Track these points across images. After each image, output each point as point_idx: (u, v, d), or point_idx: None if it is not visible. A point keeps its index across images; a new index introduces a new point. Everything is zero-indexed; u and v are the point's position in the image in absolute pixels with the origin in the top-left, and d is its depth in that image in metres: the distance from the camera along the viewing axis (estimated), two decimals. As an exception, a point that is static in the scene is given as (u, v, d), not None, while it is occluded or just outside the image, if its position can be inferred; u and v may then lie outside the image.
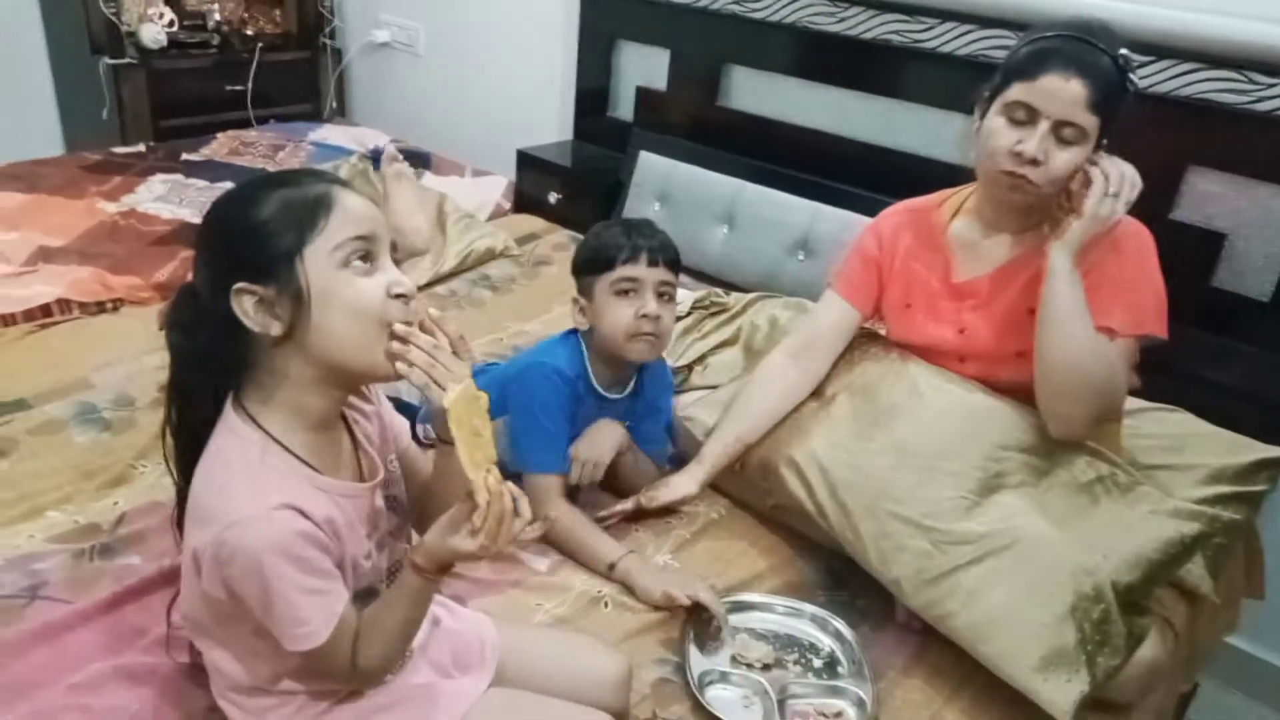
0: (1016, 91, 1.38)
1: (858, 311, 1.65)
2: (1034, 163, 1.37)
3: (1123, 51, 1.38)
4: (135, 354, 1.90)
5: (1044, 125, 1.36)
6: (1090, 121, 1.36)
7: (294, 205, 0.92)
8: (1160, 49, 1.86)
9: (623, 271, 1.49)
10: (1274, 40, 1.74)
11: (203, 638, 1.03)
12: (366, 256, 0.93)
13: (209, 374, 0.96)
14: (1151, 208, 1.88)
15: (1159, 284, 1.44)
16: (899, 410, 1.52)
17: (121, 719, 1.12)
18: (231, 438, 0.94)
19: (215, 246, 0.95)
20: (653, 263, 1.50)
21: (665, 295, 1.52)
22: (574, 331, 1.58)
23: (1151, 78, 1.89)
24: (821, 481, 1.48)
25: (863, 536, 1.41)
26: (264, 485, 0.91)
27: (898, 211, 1.66)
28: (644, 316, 1.48)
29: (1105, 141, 1.41)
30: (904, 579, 1.37)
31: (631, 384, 1.60)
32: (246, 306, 0.91)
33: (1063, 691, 1.23)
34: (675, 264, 1.54)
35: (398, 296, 0.94)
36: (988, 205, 1.53)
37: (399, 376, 0.95)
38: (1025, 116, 1.38)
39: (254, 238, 0.91)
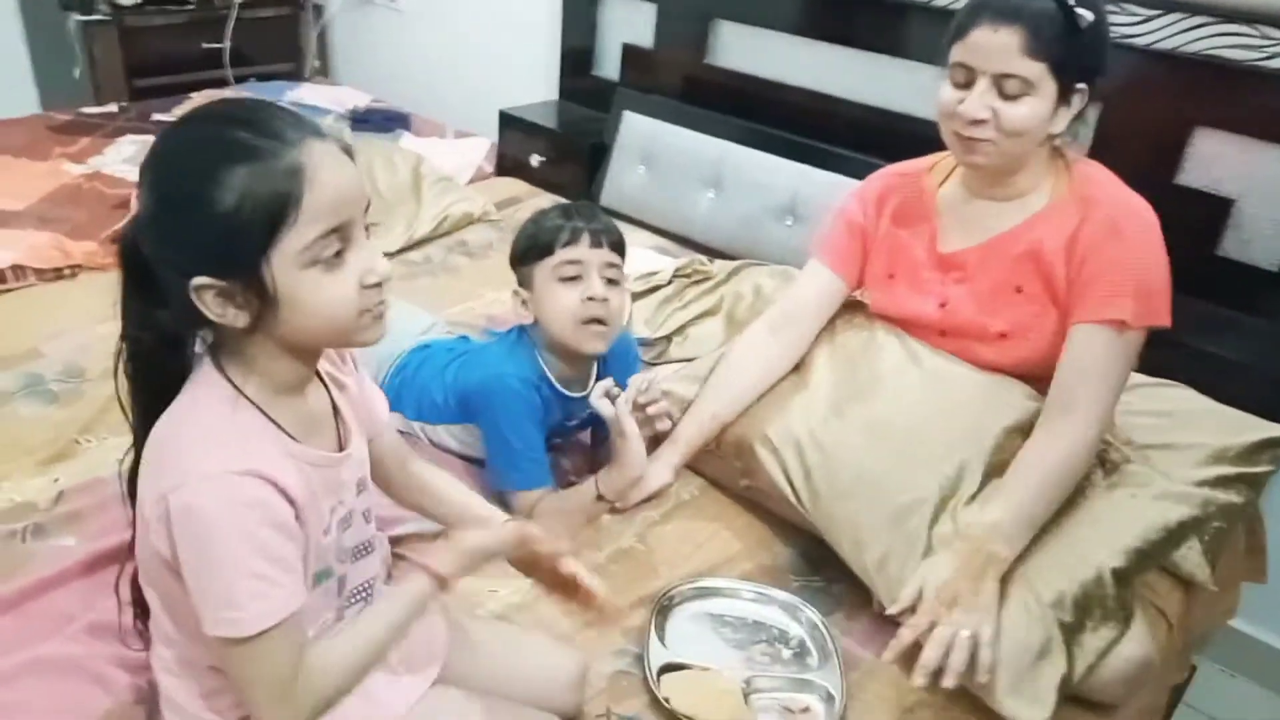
0: (955, 52, 1.32)
1: (843, 281, 1.56)
2: (979, 121, 1.30)
3: None
4: (89, 323, 1.82)
5: (983, 82, 1.30)
6: (1032, 69, 1.27)
7: (261, 193, 0.79)
8: (1165, 1, 1.75)
9: (564, 255, 1.39)
10: (1289, -9, 1.63)
11: (159, 601, 0.94)
12: (338, 251, 0.83)
13: (171, 339, 0.87)
14: (1155, 172, 1.80)
15: (1165, 267, 1.32)
16: (880, 384, 1.44)
17: (34, 716, 1.05)
18: (204, 391, 0.87)
19: (170, 226, 0.82)
20: (595, 244, 1.40)
21: (611, 279, 1.41)
22: (522, 330, 1.48)
23: (1156, 33, 1.79)
24: (797, 463, 1.40)
25: (837, 522, 1.34)
26: (232, 445, 0.84)
27: (885, 175, 1.56)
28: (590, 300, 1.38)
29: (1081, 87, 1.30)
30: (873, 568, 1.30)
31: (594, 375, 1.50)
32: (207, 300, 0.82)
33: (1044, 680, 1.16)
34: (620, 246, 1.44)
35: (373, 285, 0.86)
36: (969, 174, 1.45)
37: (376, 340, 0.90)
38: (964, 77, 1.32)
39: (215, 230, 0.80)
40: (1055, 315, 1.36)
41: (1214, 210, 1.80)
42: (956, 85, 1.33)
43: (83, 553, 1.28)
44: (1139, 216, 1.33)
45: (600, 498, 1.39)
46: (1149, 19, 1.79)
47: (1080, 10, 1.26)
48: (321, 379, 0.98)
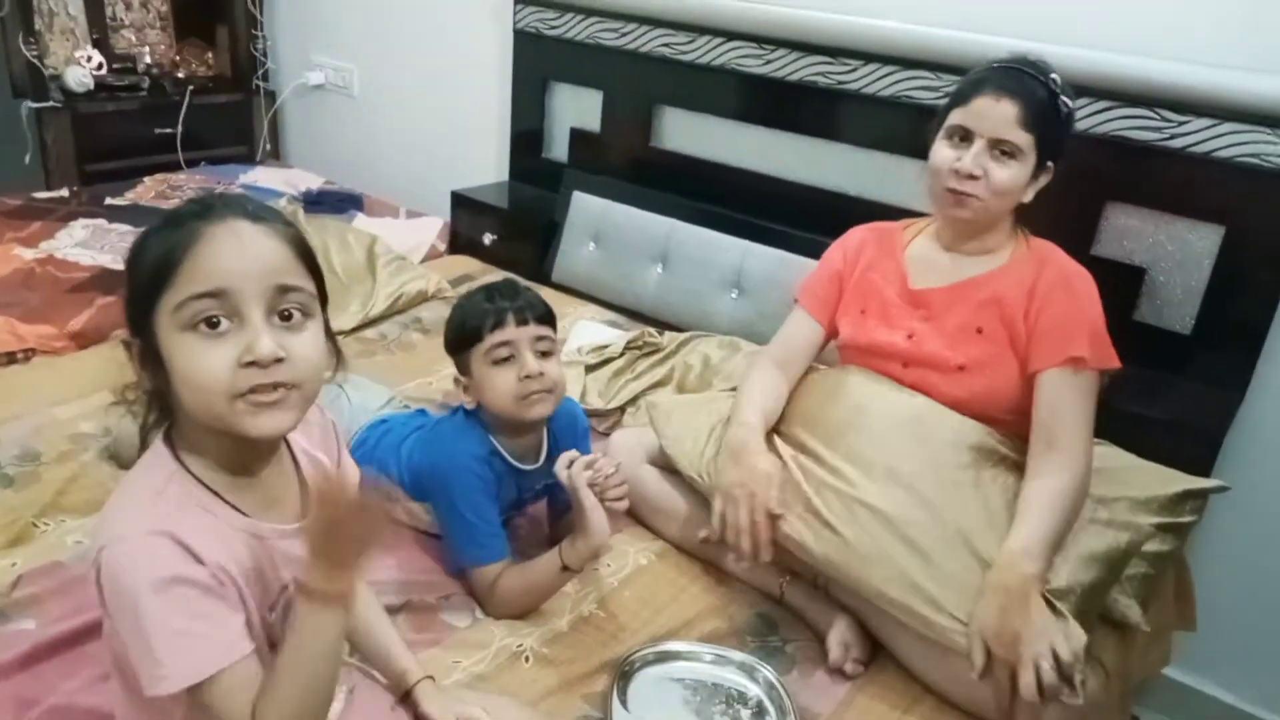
0: (955, 116, 1.51)
1: (820, 326, 1.69)
2: (972, 178, 1.48)
3: (1054, 76, 1.50)
4: (44, 406, 1.83)
5: (979, 143, 1.48)
6: (1023, 139, 1.47)
7: (157, 251, 0.85)
8: (1077, 88, 1.88)
9: (493, 339, 1.43)
10: (1182, 78, 1.78)
11: (115, 668, 0.94)
12: (214, 319, 0.83)
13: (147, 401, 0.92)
14: (1073, 243, 1.92)
15: (1104, 321, 1.52)
16: (848, 425, 1.53)
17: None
18: (147, 462, 0.91)
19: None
20: (522, 322, 1.43)
21: (544, 351, 1.45)
22: (470, 410, 1.51)
23: (1068, 116, 1.93)
24: (792, 502, 1.47)
25: (839, 542, 1.41)
26: (152, 510, 0.85)
27: (864, 229, 1.74)
28: (527, 378, 1.42)
29: (1050, 164, 1.51)
30: (885, 584, 1.37)
31: (544, 447, 1.54)
32: (133, 354, 0.88)
33: None
34: (547, 318, 1.48)
35: (249, 364, 0.83)
36: (946, 229, 1.61)
37: (259, 433, 0.86)
38: (963, 137, 1.49)
39: (130, 285, 0.88)
40: (1011, 357, 1.52)
41: (1128, 279, 1.93)
42: (954, 145, 1.51)
43: (43, 636, 1.28)
44: (1083, 277, 1.54)
45: (565, 568, 1.41)
46: (1063, 102, 1.93)
47: (1064, 98, 1.51)
48: (293, 453, 1.00)
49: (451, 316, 1.51)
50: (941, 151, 1.52)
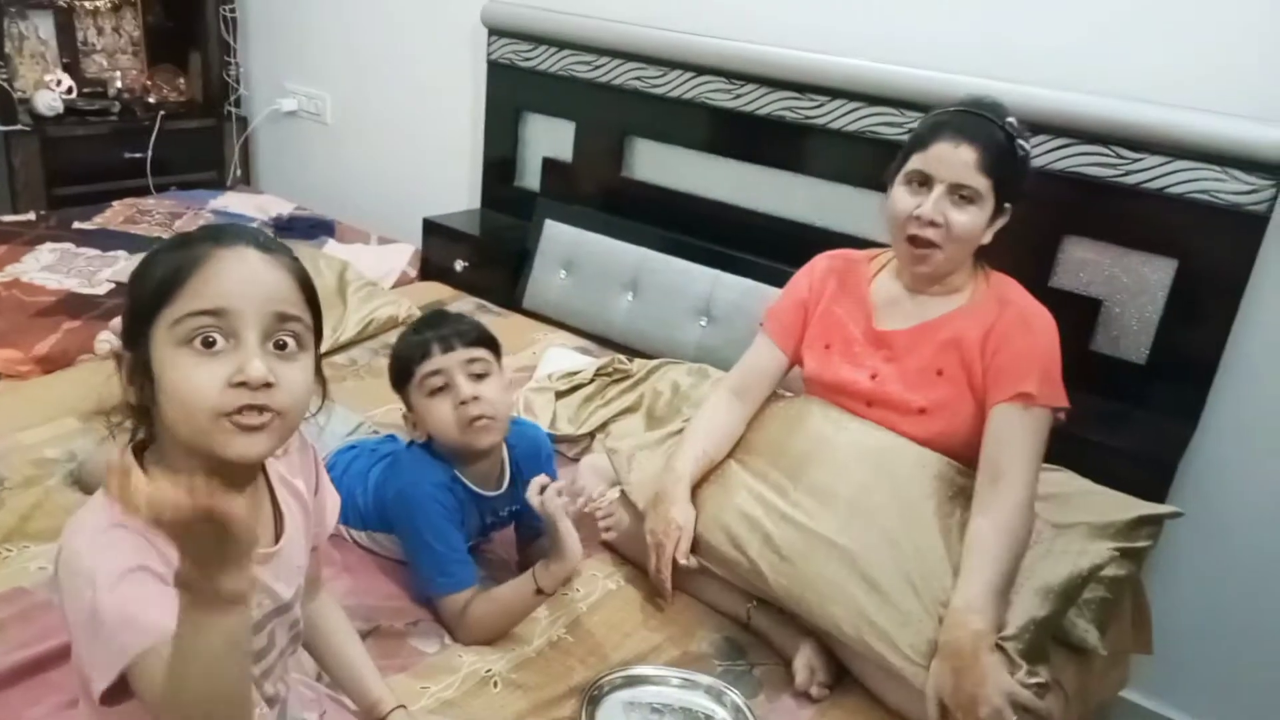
0: (914, 161, 1.52)
1: (784, 355, 1.70)
2: (933, 224, 1.48)
3: (1010, 120, 1.51)
4: (9, 431, 1.81)
5: (939, 189, 1.48)
6: (982, 183, 1.48)
7: (163, 269, 0.86)
8: (1035, 125, 1.95)
9: (423, 369, 1.44)
10: (1136, 117, 1.85)
11: (82, 700, 0.92)
12: (210, 338, 0.84)
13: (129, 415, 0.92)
14: (1031, 275, 1.97)
15: (1060, 362, 1.53)
16: (810, 457, 1.55)
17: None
18: None
19: None
20: (448, 348, 1.44)
21: (478, 374, 1.45)
22: (427, 441, 1.52)
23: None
24: (751, 535, 1.49)
25: (799, 582, 1.43)
26: (114, 507, 0.81)
27: (832, 256, 1.74)
28: (462, 403, 1.42)
29: (1008, 206, 1.53)
30: (842, 620, 1.38)
31: (506, 473, 1.55)
32: (123, 368, 0.89)
33: None
34: (479, 339, 1.48)
35: (239, 385, 0.84)
36: (905, 271, 1.62)
37: (237, 456, 0.85)
38: (921, 182, 1.50)
39: (130, 299, 0.89)
40: (970, 398, 1.53)
41: (1085, 310, 1.98)
42: (913, 191, 1.52)
43: (6, 663, 1.27)
44: (1043, 316, 1.55)
45: (539, 591, 1.42)
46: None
47: (1020, 141, 1.52)
48: (268, 481, 1.00)
49: (390, 354, 1.53)
50: (902, 199, 1.53)
